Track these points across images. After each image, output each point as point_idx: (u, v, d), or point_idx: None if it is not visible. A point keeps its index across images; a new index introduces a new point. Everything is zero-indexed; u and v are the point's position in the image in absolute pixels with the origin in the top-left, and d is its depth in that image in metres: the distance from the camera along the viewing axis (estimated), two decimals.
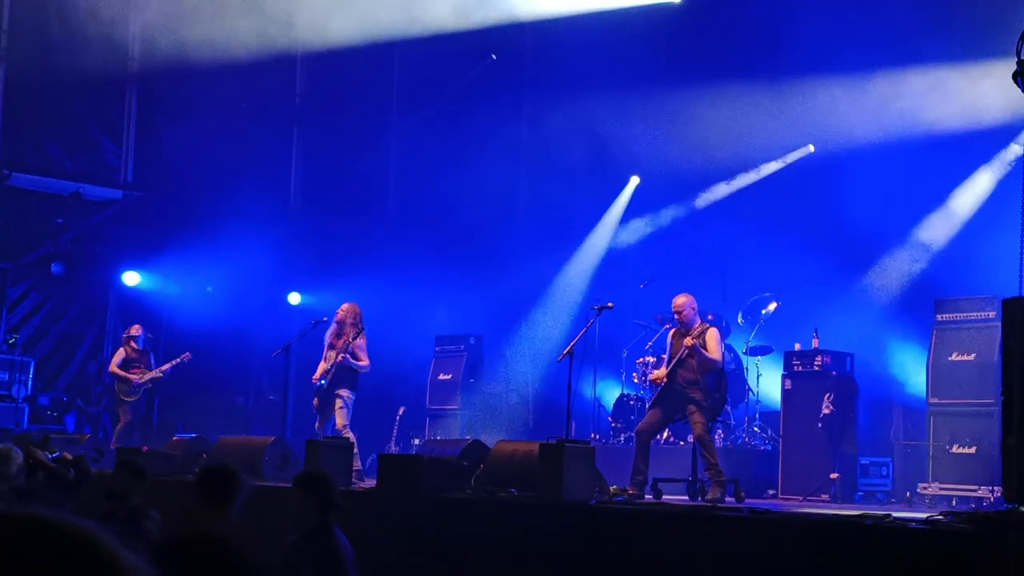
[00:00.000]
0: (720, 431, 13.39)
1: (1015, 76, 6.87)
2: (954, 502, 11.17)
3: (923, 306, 12.87)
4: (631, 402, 14.77)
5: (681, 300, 11.35)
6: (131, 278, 18.11)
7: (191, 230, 17.71)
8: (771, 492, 12.74)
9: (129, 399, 15.62)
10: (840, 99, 15.21)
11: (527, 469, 9.57)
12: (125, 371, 15.72)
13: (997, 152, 14.22)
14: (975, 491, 11.21)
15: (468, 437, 11.98)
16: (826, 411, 12.49)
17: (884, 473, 12.77)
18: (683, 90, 16.67)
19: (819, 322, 13.66)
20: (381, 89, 19.62)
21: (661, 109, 16.94)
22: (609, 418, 15.08)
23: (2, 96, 17.00)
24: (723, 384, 11.24)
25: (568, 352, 10.73)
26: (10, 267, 17.46)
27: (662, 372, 11.28)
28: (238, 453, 12.25)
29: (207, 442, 13.48)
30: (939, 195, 14.73)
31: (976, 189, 14.41)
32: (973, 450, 11.51)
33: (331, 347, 13.24)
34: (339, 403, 12.95)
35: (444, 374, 16.87)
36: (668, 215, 17.53)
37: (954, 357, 11.88)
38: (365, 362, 13.16)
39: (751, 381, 14.40)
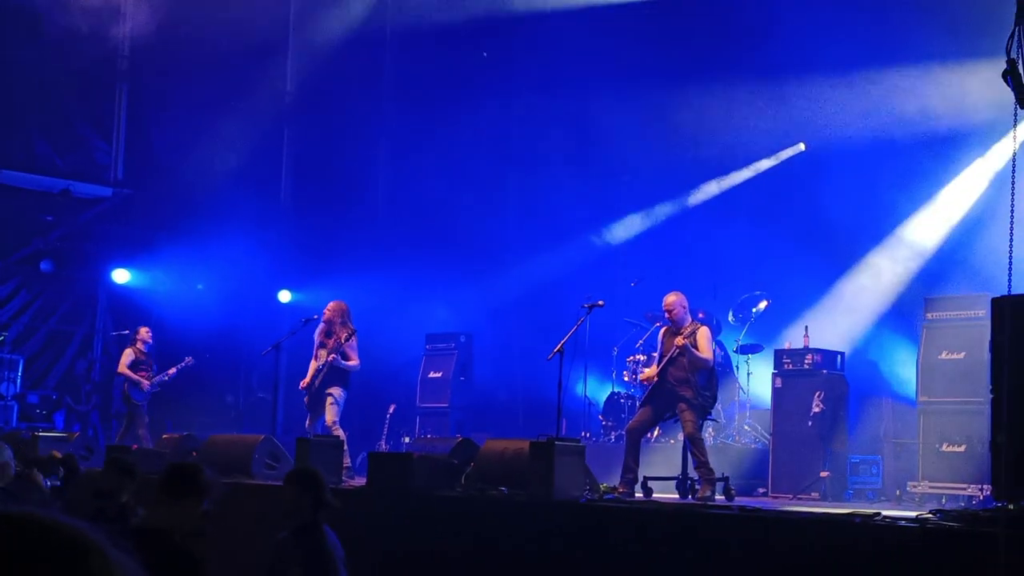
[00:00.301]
0: (710, 429, 13.40)
1: (1004, 75, 6.88)
2: (944, 500, 11.17)
3: (913, 304, 12.89)
4: (621, 400, 14.77)
5: (672, 299, 11.35)
6: (121, 276, 18.08)
7: (181, 228, 17.70)
8: (761, 490, 12.75)
9: (138, 402, 15.45)
10: (831, 97, 15.22)
11: (517, 467, 9.56)
12: (133, 372, 15.60)
13: (987, 151, 14.25)
14: (964, 489, 11.22)
15: (458, 435, 11.97)
16: (816, 409, 12.50)
17: (874, 471, 12.79)
18: (674, 87, 16.66)
19: (809, 320, 13.68)
20: (371, 87, 19.60)
21: (652, 106, 16.93)
22: (600, 416, 15.08)
23: None
24: (714, 382, 11.25)
25: (559, 350, 10.73)
26: None
27: (653, 370, 11.28)
28: (228, 451, 12.23)
29: (197, 440, 13.45)
30: (929, 194, 14.76)
31: (966, 187, 14.43)
32: (963, 448, 11.52)
33: (321, 346, 13.24)
34: (330, 401, 12.95)
35: (434, 372, 16.87)
36: (659, 213, 17.53)
37: (944, 355, 11.89)
38: (355, 362, 13.16)
39: (741, 379, 14.42)
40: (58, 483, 9.51)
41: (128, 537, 2.88)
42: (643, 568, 8.11)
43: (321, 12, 18.35)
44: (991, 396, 7.06)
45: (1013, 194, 6.74)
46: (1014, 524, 6.15)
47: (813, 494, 12.09)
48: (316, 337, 13.34)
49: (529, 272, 17.76)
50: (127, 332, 17.79)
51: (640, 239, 17.50)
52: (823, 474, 12.20)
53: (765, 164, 16.63)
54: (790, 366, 12.97)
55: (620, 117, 17.12)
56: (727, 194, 16.87)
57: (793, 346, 13.33)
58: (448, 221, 18.39)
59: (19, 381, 16.82)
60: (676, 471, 11.41)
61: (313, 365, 13.22)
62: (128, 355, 15.57)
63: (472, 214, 18.17)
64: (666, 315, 11.45)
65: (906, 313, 13.55)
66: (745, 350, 14.54)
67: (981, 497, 10.65)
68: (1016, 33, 6.86)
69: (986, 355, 10.35)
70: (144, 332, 15.67)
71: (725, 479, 11.19)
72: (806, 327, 13.44)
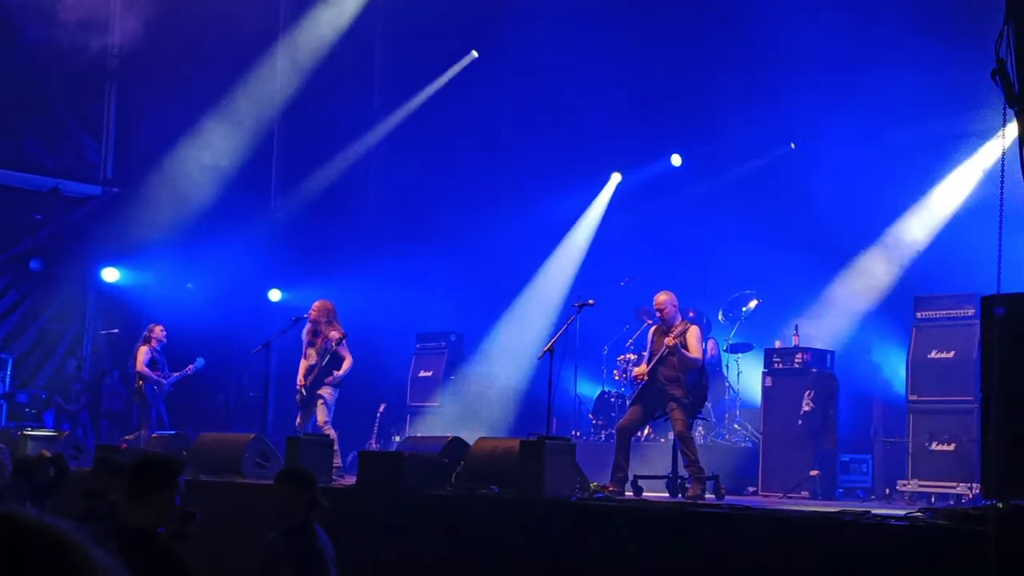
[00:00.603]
0: (700, 428, 13.41)
1: (993, 74, 6.88)
2: (933, 499, 11.20)
3: (903, 303, 12.90)
4: (612, 399, 14.78)
5: (662, 298, 11.35)
6: (110, 274, 18.04)
7: (171, 226, 17.64)
8: (751, 489, 12.76)
9: (152, 402, 15.36)
10: (821, 96, 15.23)
11: (507, 466, 9.56)
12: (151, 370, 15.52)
13: (977, 149, 14.26)
14: (954, 487, 11.24)
15: (449, 434, 11.95)
16: (806, 408, 12.51)
17: (864, 470, 12.81)
18: (665, 87, 16.68)
19: (799, 319, 13.69)
20: (361, 85, 19.58)
21: (643, 105, 16.94)
22: (590, 415, 15.09)
23: None
24: (704, 381, 11.26)
25: (549, 349, 10.73)
26: None
27: (644, 369, 11.29)
28: (219, 450, 12.23)
29: (187, 439, 13.43)
30: (919, 192, 14.77)
31: (956, 186, 14.45)
32: (952, 447, 11.54)
33: (309, 345, 13.24)
34: (320, 400, 12.96)
35: (425, 371, 16.86)
36: (650, 212, 17.53)
37: (934, 354, 11.92)
38: (348, 361, 13.18)
39: (731, 378, 14.43)
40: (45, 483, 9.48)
41: (114, 536, 2.87)
42: (633, 567, 8.11)
43: (311, 10, 18.32)
44: (981, 395, 7.07)
45: (1002, 193, 6.74)
46: (1003, 522, 6.15)
47: (803, 493, 12.10)
48: (304, 337, 13.36)
49: (519, 271, 17.76)
50: (116, 331, 17.78)
51: (631, 238, 17.50)
52: (813, 473, 12.21)
53: (756, 163, 16.64)
54: (780, 365, 12.99)
55: (611, 116, 17.13)
56: (717, 193, 16.87)
57: (783, 345, 13.35)
58: (438, 219, 18.39)
59: (8, 380, 16.78)
60: (666, 470, 11.42)
61: (303, 364, 13.21)
62: (144, 353, 15.41)
63: (462, 212, 18.17)
64: (657, 314, 11.46)
65: (896, 312, 13.56)
66: (735, 349, 14.55)
67: (971, 495, 10.68)
68: (1005, 32, 6.87)
69: (975, 354, 10.41)
70: (159, 330, 15.57)
71: (715, 478, 11.20)
72: (796, 326, 13.45)
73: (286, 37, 18.56)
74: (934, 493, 11.41)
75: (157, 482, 5.11)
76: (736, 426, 14.15)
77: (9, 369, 16.76)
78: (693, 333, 11.13)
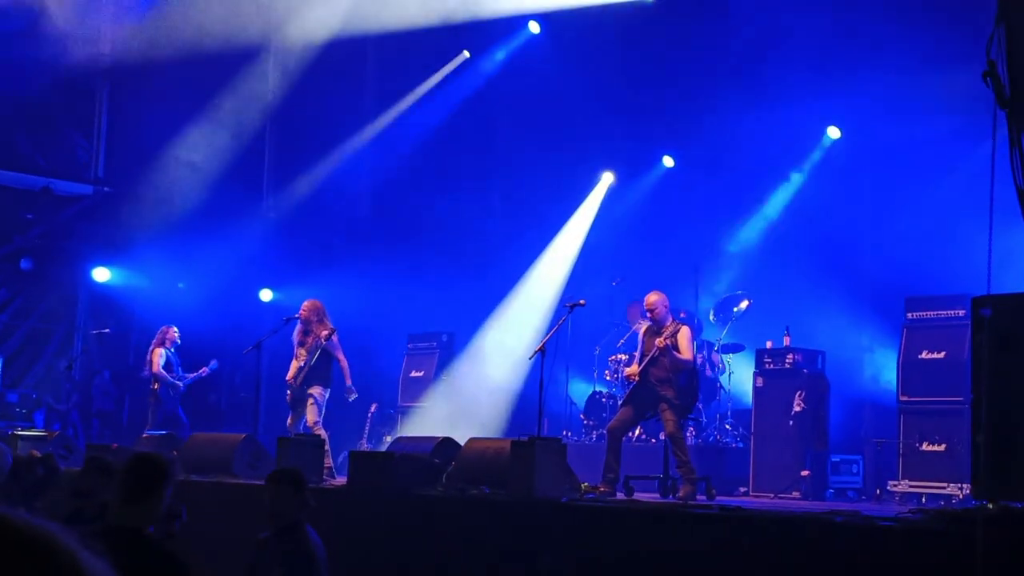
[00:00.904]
0: (691, 429, 13.42)
1: (984, 75, 6.89)
2: (924, 499, 11.23)
3: (894, 304, 12.92)
4: (603, 399, 14.78)
5: (653, 298, 11.36)
6: (101, 274, 18.00)
7: (162, 226, 17.61)
8: (742, 489, 12.78)
9: (166, 403, 15.31)
10: (811, 96, 15.24)
11: (498, 466, 9.56)
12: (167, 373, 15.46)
13: (967, 150, 14.28)
14: (944, 488, 11.26)
15: (440, 434, 11.95)
16: (797, 409, 12.53)
17: (854, 470, 12.83)
18: (656, 88, 16.69)
19: (790, 320, 13.70)
20: (354, 85, 19.56)
21: (635, 107, 16.95)
22: (581, 415, 15.09)
23: None
24: (695, 382, 11.27)
25: (540, 349, 10.72)
26: None
27: (635, 369, 11.29)
28: (210, 450, 12.22)
29: (178, 439, 13.41)
30: (910, 193, 14.79)
31: (946, 187, 14.46)
32: (943, 447, 11.57)
33: (300, 345, 13.24)
34: (311, 400, 12.95)
35: (416, 371, 16.86)
36: (642, 212, 17.53)
37: (924, 355, 11.94)
38: (343, 362, 13.18)
39: (722, 379, 14.44)
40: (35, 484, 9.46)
41: (99, 536, 2.86)
42: (624, 568, 8.11)
43: (303, 12, 18.29)
44: (971, 396, 7.08)
45: (992, 193, 6.75)
46: (993, 523, 6.17)
47: (794, 493, 12.12)
48: (295, 337, 13.36)
49: (511, 271, 17.76)
50: (107, 331, 17.73)
51: (622, 238, 17.51)
52: (804, 473, 12.23)
53: (746, 163, 16.64)
54: (771, 365, 13.00)
55: (604, 117, 17.14)
56: (710, 193, 16.88)
57: (774, 346, 13.36)
58: (429, 220, 18.38)
59: None
60: (658, 471, 11.43)
61: (294, 365, 13.21)
62: (160, 355, 15.37)
63: (454, 213, 18.17)
64: (648, 314, 11.46)
65: (887, 313, 13.58)
66: (726, 349, 14.57)
67: (961, 496, 10.70)
68: (996, 33, 6.88)
69: (966, 355, 10.43)
70: (173, 332, 15.55)
71: (706, 479, 11.21)
72: (787, 327, 13.47)
73: (277, 37, 18.53)
74: (924, 494, 11.43)
75: (153, 482, 5.09)
76: (727, 426, 14.16)
77: None
78: (684, 334, 11.13)
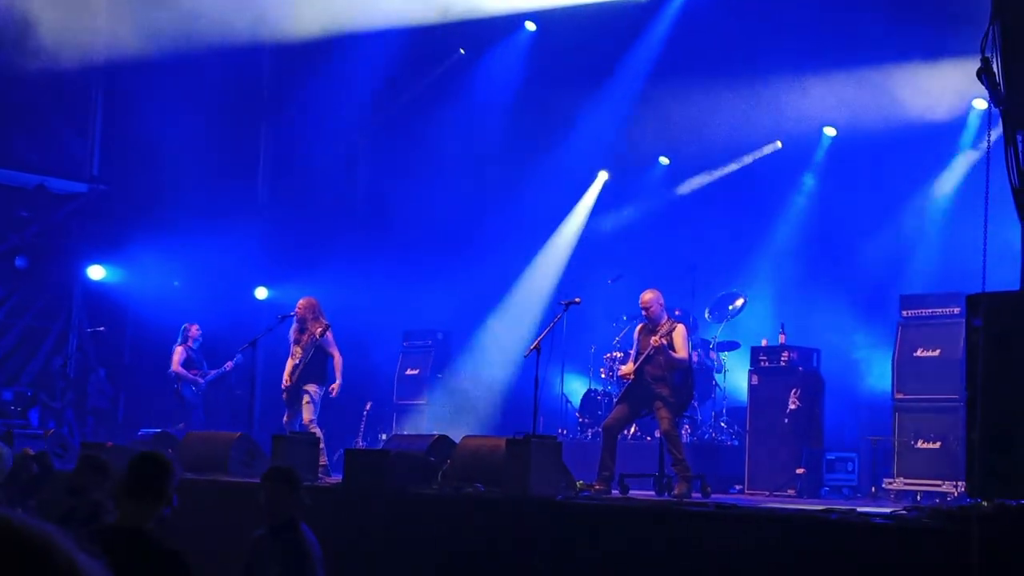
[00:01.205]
0: (687, 427, 13.42)
1: (979, 73, 6.91)
2: (919, 497, 11.24)
3: (889, 302, 12.94)
4: (598, 398, 14.78)
5: (648, 296, 11.35)
6: (96, 272, 17.98)
7: (157, 224, 17.59)
8: (737, 487, 12.79)
9: (190, 400, 15.31)
10: (807, 95, 15.26)
11: (493, 464, 9.56)
12: (186, 370, 15.47)
13: (963, 148, 14.31)
14: (939, 486, 11.28)
15: (435, 432, 11.95)
16: (792, 407, 12.54)
17: (849, 468, 12.84)
18: (652, 85, 16.69)
19: (786, 318, 13.71)
20: (349, 83, 19.53)
21: (630, 104, 16.95)
22: (576, 413, 15.09)
23: None
24: (690, 380, 11.27)
25: (535, 347, 10.72)
26: None
27: (630, 367, 11.29)
28: (204, 448, 12.21)
29: (172, 437, 13.40)
30: (905, 191, 14.81)
31: (942, 185, 14.49)
32: (938, 445, 11.58)
33: (296, 342, 13.22)
34: (306, 398, 12.93)
35: (411, 369, 16.86)
36: (637, 210, 17.55)
37: (919, 353, 11.95)
38: (337, 357, 13.18)
39: (718, 377, 14.44)
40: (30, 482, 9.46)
41: (101, 536, 2.86)
42: (619, 566, 8.12)
43: (298, 8, 18.26)
44: (966, 394, 7.09)
45: (987, 191, 6.77)
46: (988, 521, 6.17)
47: (789, 491, 12.13)
48: (291, 335, 13.33)
49: (506, 269, 17.76)
50: (102, 328, 17.71)
51: (618, 236, 17.52)
52: (799, 471, 12.24)
53: (743, 161, 16.66)
54: (766, 363, 13.01)
55: (599, 114, 17.14)
56: (704, 191, 16.90)
57: (769, 344, 13.37)
58: (425, 217, 18.36)
59: None
60: (653, 468, 11.42)
61: (290, 363, 13.19)
62: (180, 353, 15.43)
63: (449, 210, 18.15)
64: (643, 312, 11.46)
65: (882, 311, 13.59)
66: (721, 347, 14.57)
67: (956, 494, 10.71)
68: (991, 31, 6.89)
69: (960, 353, 10.44)
70: (195, 330, 15.62)
71: (701, 476, 11.22)
72: (782, 324, 13.48)
73: (272, 34, 18.49)
74: (919, 491, 11.45)
75: (156, 480, 5.08)
76: (722, 424, 14.17)
77: None
78: (679, 332, 11.13)
